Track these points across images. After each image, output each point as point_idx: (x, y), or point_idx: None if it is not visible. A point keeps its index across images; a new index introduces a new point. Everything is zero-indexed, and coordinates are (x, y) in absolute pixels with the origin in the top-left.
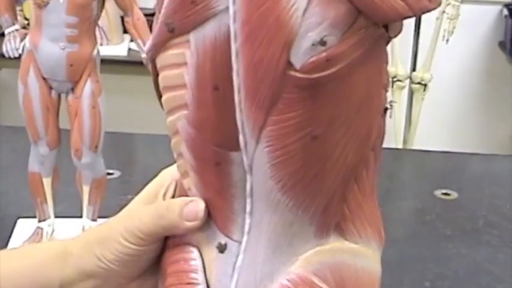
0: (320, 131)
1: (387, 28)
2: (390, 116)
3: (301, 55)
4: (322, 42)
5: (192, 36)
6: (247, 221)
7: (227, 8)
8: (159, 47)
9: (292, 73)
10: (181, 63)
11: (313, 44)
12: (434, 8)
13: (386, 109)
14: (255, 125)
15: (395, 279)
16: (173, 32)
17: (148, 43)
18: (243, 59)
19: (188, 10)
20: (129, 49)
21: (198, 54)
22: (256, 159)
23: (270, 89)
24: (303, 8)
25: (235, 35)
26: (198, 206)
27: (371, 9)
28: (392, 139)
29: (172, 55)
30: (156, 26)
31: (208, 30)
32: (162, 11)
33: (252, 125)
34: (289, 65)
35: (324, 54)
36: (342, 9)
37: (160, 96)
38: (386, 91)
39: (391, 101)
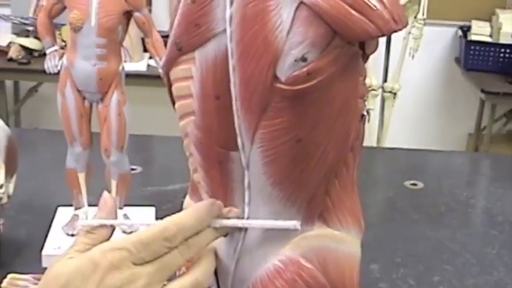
0: (304, 134)
1: (364, 47)
2: (368, 121)
3: (285, 70)
4: (303, 59)
5: (196, 54)
6: (246, 210)
7: (225, 30)
8: (170, 63)
9: (279, 85)
10: (188, 77)
11: (295, 60)
12: (401, 29)
13: (363, 116)
14: (249, 128)
15: (371, 258)
16: (181, 50)
17: (163, 60)
18: (238, 73)
19: (193, 32)
20: (148, 65)
21: (202, 69)
22: (252, 158)
23: (261, 98)
24: (287, 29)
25: (231, 52)
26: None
27: (346, 31)
28: (368, 139)
29: (181, 70)
30: (168, 45)
31: (210, 49)
32: (172, 32)
33: (247, 128)
34: (276, 78)
35: (305, 69)
36: (321, 30)
37: (174, 104)
38: (364, 100)
39: (368, 109)
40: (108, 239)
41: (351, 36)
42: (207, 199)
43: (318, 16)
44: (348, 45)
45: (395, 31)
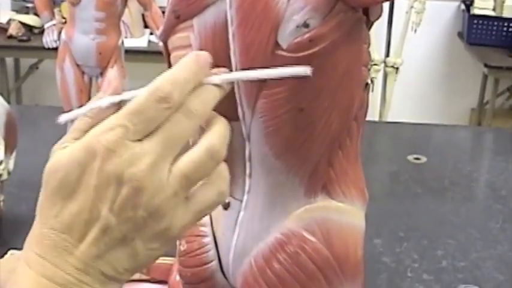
0: (306, 103)
1: (367, 13)
2: (372, 91)
3: (287, 36)
4: (305, 25)
5: (195, 22)
6: (247, 182)
7: None
8: (168, 32)
9: (280, 52)
10: (186, 45)
11: (297, 26)
12: None
13: (367, 84)
14: (250, 98)
15: (375, 231)
16: (179, 18)
17: (160, 28)
18: (238, 41)
19: None
20: (149, 41)
21: (200, 37)
22: (253, 128)
23: (262, 66)
24: None
25: (231, 19)
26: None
27: None
28: (370, 113)
29: (179, 38)
30: (166, 14)
31: (209, 16)
32: (169, 0)
33: (248, 98)
34: (277, 45)
35: (307, 35)
36: None
37: None
38: (368, 68)
39: (372, 77)
40: None
41: (354, 0)
42: None
43: None
44: (352, 10)
45: None
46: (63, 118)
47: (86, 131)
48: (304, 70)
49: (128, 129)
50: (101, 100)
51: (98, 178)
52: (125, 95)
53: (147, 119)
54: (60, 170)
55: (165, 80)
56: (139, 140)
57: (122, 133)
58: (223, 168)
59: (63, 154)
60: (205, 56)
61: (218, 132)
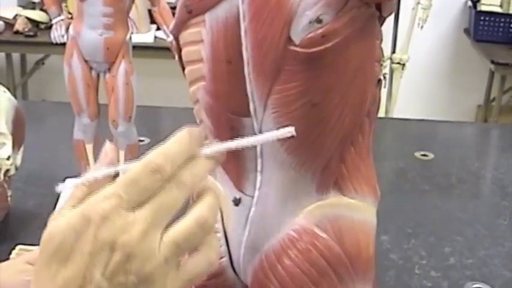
0: (319, 98)
1: (380, 9)
2: (385, 86)
3: (299, 32)
4: (318, 20)
5: (207, 17)
6: (258, 178)
7: None
8: (180, 27)
9: (293, 48)
10: (198, 41)
11: (310, 22)
12: None
13: (379, 80)
14: (262, 93)
15: (382, 228)
16: (191, 12)
17: (172, 24)
18: (250, 36)
19: None
20: (155, 37)
21: (212, 32)
22: (265, 124)
23: (274, 62)
24: None
25: (243, 14)
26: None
27: None
28: None
29: (191, 33)
30: (178, 8)
31: (221, 11)
32: None
33: (259, 93)
34: (290, 40)
35: (320, 30)
36: None
37: (184, 69)
38: (380, 64)
39: (384, 73)
40: None
41: None
42: (218, 167)
43: None
44: (365, 6)
45: None
46: (60, 187)
47: (83, 199)
48: (288, 131)
49: (122, 199)
50: (97, 171)
51: (92, 244)
52: (119, 167)
53: (140, 189)
54: (57, 237)
55: (158, 153)
56: (133, 209)
57: (117, 202)
58: (213, 238)
59: (60, 221)
60: (197, 131)
61: (208, 204)
